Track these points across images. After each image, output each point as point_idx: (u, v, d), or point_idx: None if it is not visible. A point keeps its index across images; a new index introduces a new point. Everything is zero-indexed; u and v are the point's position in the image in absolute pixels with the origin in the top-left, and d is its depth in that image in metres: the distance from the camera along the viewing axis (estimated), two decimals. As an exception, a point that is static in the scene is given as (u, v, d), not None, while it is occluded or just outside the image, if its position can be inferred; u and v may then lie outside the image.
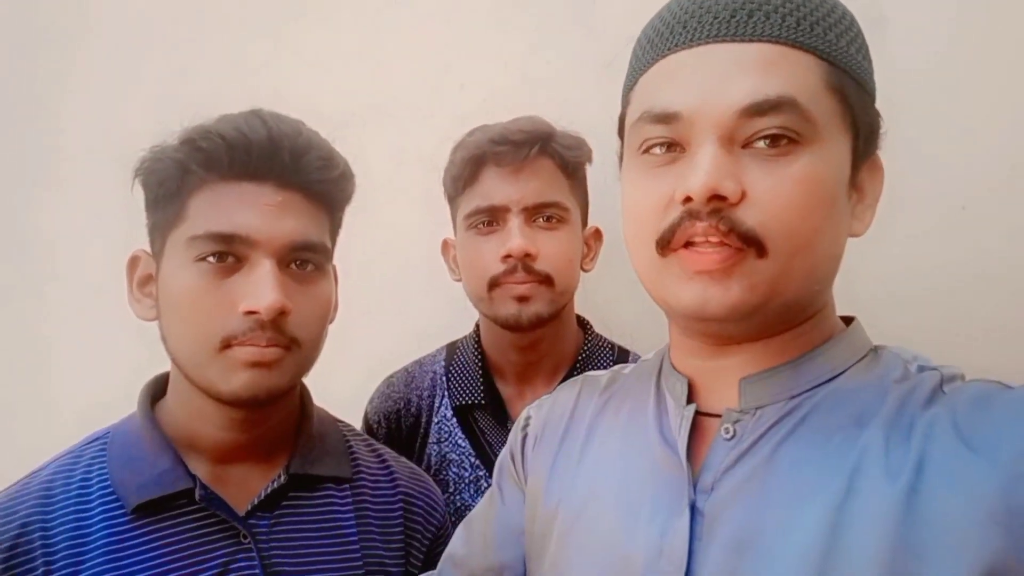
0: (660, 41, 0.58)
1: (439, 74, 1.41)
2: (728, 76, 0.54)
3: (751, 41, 0.54)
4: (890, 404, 0.54)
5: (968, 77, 1.00)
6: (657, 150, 0.57)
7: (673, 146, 0.56)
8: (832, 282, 0.60)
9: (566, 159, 1.04)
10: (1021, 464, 0.46)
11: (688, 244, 0.54)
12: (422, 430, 1.11)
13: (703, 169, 0.52)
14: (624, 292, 1.22)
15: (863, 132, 0.57)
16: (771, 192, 0.52)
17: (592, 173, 1.10)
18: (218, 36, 1.60)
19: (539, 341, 1.07)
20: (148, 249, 0.79)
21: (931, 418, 0.51)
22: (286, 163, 0.74)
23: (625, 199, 0.61)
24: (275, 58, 1.55)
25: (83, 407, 1.13)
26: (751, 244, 0.52)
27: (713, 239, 0.53)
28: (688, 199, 0.53)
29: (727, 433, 0.57)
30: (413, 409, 1.13)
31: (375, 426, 1.14)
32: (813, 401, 0.56)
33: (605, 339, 1.15)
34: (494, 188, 1.02)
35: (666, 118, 0.55)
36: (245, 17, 1.59)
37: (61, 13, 1.76)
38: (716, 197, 0.52)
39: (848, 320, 0.62)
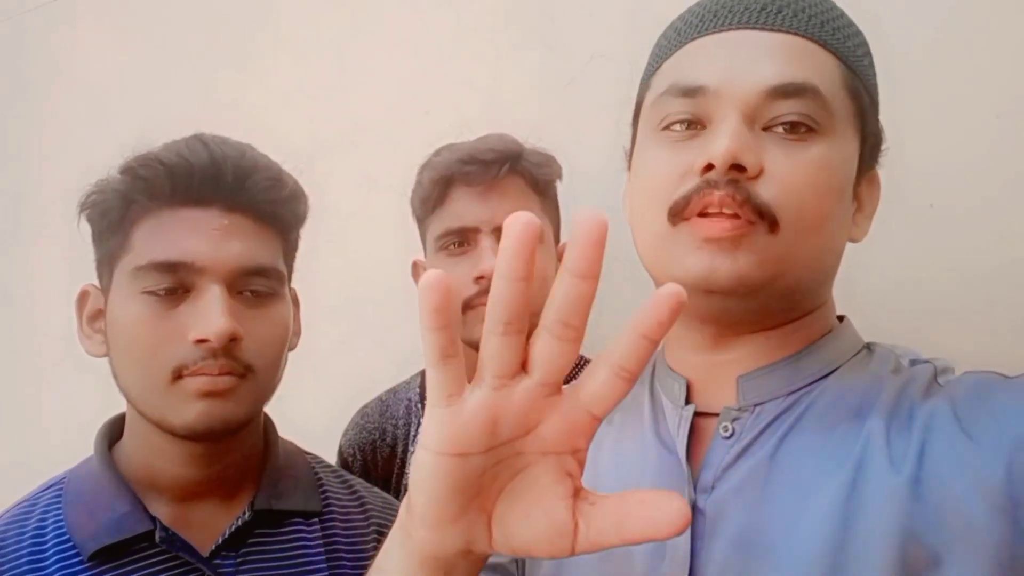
0: (687, 29, 0.60)
1: (405, 102, 1.40)
2: (755, 57, 0.55)
3: (778, 31, 0.56)
4: (888, 395, 0.53)
5: (936, 76, 1.01)
6: (678, 127, 0.57)
7: (694, 124, 0.56)
8: (833, 278, 0.60)
9: (536, 177, 1.03)
10: (1023, 453, 0.45)
11: (701, 215, 0.54)
12: (399, 460, 1.08)
13: (727, 137, 0.53)
14: (599, 308, 1.20)
15: (869, 141, 0.59)
16: (788, 170, 0.53)
17: (560, 191, 1.09)
18: (186, 71, 1.60)
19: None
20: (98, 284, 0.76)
21: (930, 409, 0.51)
22: (230, 185, 0.72)
23: (638, 175, 0.61)
24: (243, 91, 1.54)
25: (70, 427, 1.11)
26: (764, 218, 0.53)
27: (728, 211, 0.52)
28: (709, 167, 0.53)
29: (725, 431, 0.57)
30: (388, 439, 1.10)
31: (350, 459, 1.11)
32: (811, 396, 0.56)
33: (581, 356, 1.12)
34: (464, 209, 1.00)
35: (692, 91, 0.56)
36: (211, 51, 1.59)
37: (31, 61, 1.76)
38: (736, 167, 0.52)
39: (839, 318, 0.62)
